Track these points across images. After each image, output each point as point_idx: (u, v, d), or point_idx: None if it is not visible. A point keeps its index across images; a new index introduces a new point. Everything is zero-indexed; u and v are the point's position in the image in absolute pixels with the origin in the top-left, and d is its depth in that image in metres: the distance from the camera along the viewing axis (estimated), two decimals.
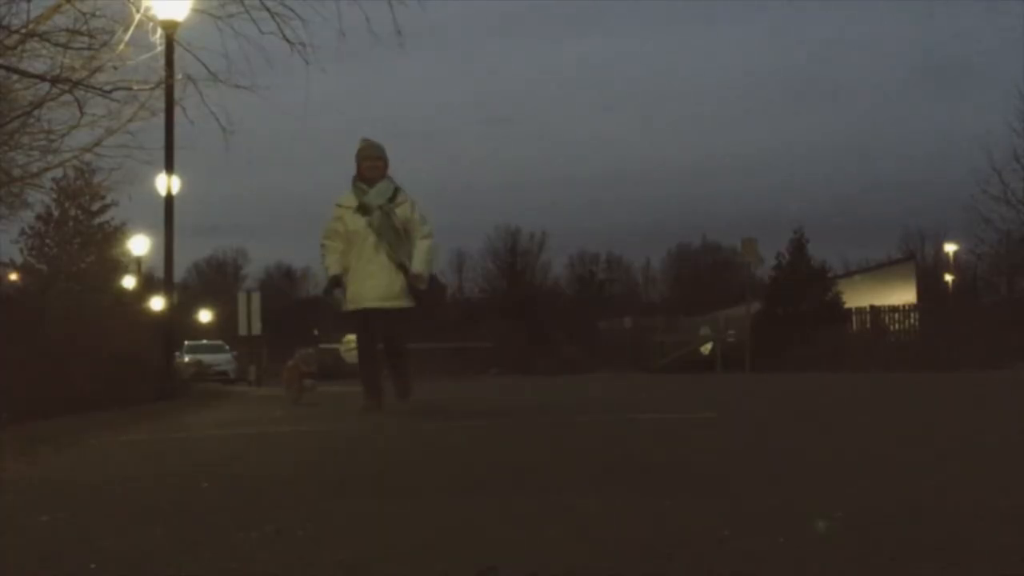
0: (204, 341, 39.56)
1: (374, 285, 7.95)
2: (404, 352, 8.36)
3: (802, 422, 6.54)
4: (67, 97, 10.47)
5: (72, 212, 33.03)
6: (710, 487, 3.20)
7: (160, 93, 12.30)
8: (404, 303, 8.00)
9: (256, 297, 28.59)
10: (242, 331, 28.14)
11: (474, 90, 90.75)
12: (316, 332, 49.65)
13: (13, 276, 24.99)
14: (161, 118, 13.06)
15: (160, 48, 12.00)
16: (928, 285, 43.20)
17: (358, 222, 7.97)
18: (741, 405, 8.85)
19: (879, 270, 40.74)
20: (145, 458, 5.15)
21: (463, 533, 2.43)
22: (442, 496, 3.14)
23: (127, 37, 10.15)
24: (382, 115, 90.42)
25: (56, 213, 32.15)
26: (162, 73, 11.72)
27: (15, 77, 10.72)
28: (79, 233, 33.10)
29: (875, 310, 29.80)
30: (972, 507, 2.63)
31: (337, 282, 8.16)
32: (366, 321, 8.02)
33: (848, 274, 39.50)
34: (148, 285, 29.64)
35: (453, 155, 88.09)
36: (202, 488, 3.50)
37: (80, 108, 10.95)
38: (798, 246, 32.45)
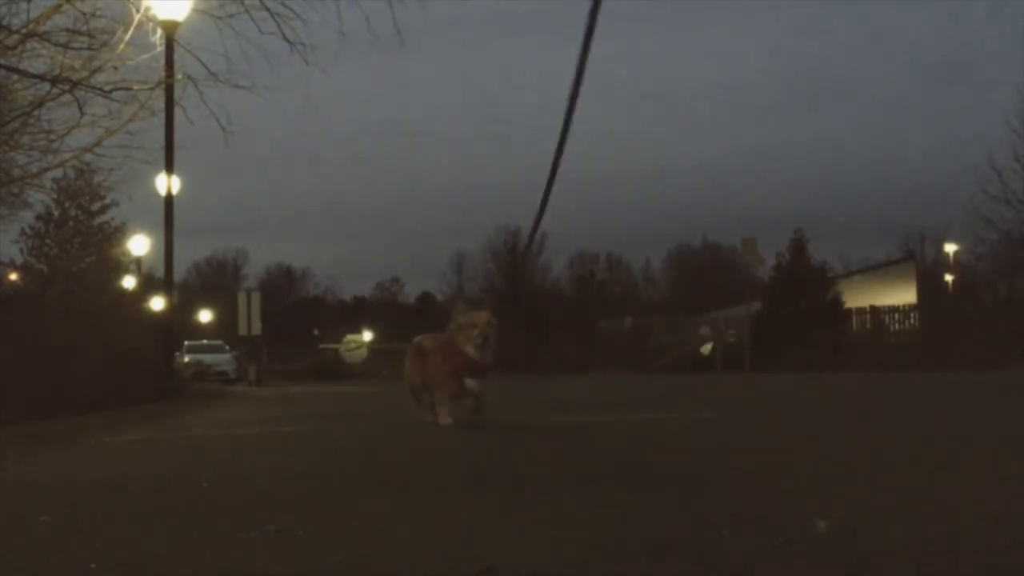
0: (204, 341, 39.54)
1: None
2: None
3: (802, 422, 6.54)
4: (67, 97, 10.48)
5: (72, 212, 33.03)
6: (710, 487, 3.19)
7: (160, 93, 12.30)
8: None
9: (256, 297, 28.60)
10: (242, 331, 28.16)
11: (474, 90, 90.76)
12: (316, 332, 49.68)
13: (13, 276, 24.98)
14: (161, 118, 13.06)
15: (160, 48, 12.00)
16: (928, 285, 43.18)
17: None
18: (741, 405, 8.84)
19: (879, 270, 40.73)
20: (145, 458, 5.15)
21: (463, 533, 2.43)
22: (442, 496, 3.14)
23: (127, 37, 10.15)
24: (382, 115, 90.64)
25: (56, 213, 32.15)
26: (162, 73, 11.72)
27: (15, 77, 10.72)
28: (79, 233, 33.08)
29: (875, 310, 29.78)
30: (972, 507, 2.63)
31: None
32: None
33: (848, 274, 39.48)
34: (148, 285, 29.63)
35: (453, 155, 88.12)
36: (202, 488, 3.49)
37: (80, 108, 10.95)
38: (798, 246, 32.42)
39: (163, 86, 11.99)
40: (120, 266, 32.96)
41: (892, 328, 29.20)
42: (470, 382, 5.92)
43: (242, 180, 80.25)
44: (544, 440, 5.16)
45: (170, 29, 12.57)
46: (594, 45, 2.44)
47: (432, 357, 6.10)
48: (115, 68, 10.13)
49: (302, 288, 72.99)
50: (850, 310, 30.44)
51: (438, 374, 6.00)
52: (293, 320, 57.78)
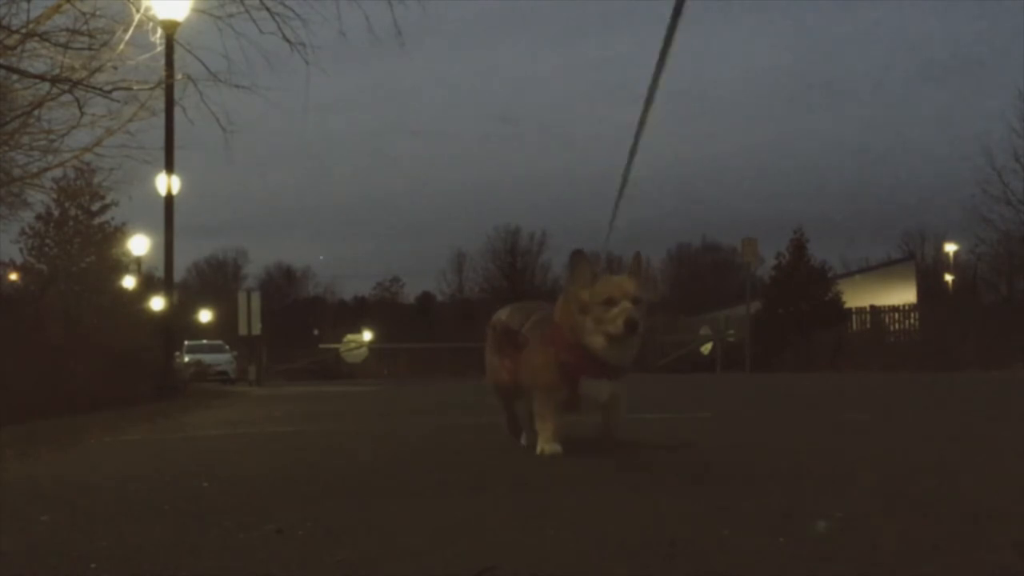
0: (204, 341, 39.54)
1: None
2: None
3: (801, 422, 6.54)
4: (67, 97, 10.48)
5: (72, 212, 33.02)
6: (709, 487, 3.19)
7: (160, 93, 12.31)
8: None
9: (256, 297, 28.61)
10: (242, 331, 28.18)
11: (475, 90, 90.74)
12: (316, 332, 49.68)
13: (13, 276, 24.99)
14: (161, 118, 13.07)
15: (160, 48, 12.02)
16: (928, 285, 43.21)
17: None
18: (740, 405, 8.84)
19: (879, 270, 40.80)
20: (145, 458, 5.15)
21: (463, 533, 2.43)
22: (442, 496, 3.14)
23: (127, 37, 10.16)
24: (383, 115, 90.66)
25: (56, 213, 32.13)
26: (162, 73, 11.73)
27: (15, 77, 10.73)
28: (79, 233, 33.06)
29: (875, 310, 29.80)
30: (972, 507, 2.63)
31: None
32: None
33: (848, 274, 39.51)
34: (148, 285, 29.64)
35: (454, 155, 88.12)
36: (202, 488, 3.49)
37: (80, 108, 10.96)
38: (798, 246, 32.44)
39: (163, 86, 12.00)
40: (120, 266, 32.96)
41: (892, 328, 29.22)
42: (594, 386, 3.94)
43: (242, 180, 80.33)
44: None
45: (170, 29, 12.57)
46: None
47: (530, 349, 4.06)
48: (115, 68, 10.14)
49: (302, 288, 72.99)
50: (850, 310, 30.46)
51: (539, 373, 3.98)
52: (293, 320, 57.77)
